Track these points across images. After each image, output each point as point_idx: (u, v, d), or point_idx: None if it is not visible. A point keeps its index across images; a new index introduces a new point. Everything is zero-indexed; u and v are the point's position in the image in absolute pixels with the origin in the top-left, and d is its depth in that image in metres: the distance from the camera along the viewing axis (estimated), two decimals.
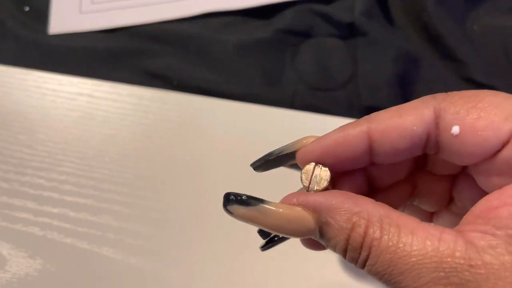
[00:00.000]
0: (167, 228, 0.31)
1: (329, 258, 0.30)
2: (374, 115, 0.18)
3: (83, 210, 0.32)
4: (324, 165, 0.19)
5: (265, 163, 0.20)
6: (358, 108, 0.35)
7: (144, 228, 0.31)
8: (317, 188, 0.19)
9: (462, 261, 0.15)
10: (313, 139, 0.19)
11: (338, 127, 0.19)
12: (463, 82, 0.36)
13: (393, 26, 0.38)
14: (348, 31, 0.37)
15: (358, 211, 0.17)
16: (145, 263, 0.30)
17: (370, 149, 0.18)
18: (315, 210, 0.18)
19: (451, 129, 0.17)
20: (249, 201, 0.18)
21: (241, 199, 0.18)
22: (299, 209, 0.18)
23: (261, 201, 0.18)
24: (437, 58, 0.37)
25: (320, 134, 0.19)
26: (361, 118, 0.18)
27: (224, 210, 0.19)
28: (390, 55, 0.35)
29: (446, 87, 0.36)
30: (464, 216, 0.17)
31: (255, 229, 0.19)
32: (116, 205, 0.32)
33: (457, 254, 0.15)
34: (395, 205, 0.19)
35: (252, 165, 0.21)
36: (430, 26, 0.37)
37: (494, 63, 0.37)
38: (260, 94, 0.35)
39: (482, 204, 0.17)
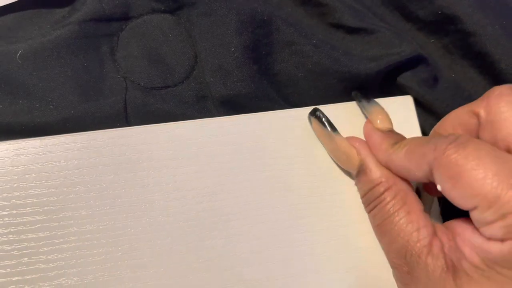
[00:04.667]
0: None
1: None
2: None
3: None
4: None
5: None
6: (211, 101, 0.28)
7: None
8: None
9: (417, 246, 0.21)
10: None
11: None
12: (333, 29, 0.30)
13: None
14: (174, 3, 0.28)
15: (386, 179, 0.23)
16: None
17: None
18: (362, 160, 0.24)
19: (437, 185, 0.21)
20: (325, 123, 0.25)
21: (321, 119, 0.25)
22: (353, 150, 0.25)
23: (334, 129, 0.25)
24: (295, 7, 0.30)
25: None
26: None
27: (308, 116, 0.26)
28: (232, 23, 0.27)
29: (313, 45, 0.29)
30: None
31: None
32: None
33: (418, 244, 0.21)
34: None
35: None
36: None
37: (363, 0, 0.30)
38: (81, 116, 0.26)
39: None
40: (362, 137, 0.26)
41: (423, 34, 0.30)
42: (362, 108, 0.27)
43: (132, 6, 0.28)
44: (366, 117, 0.27)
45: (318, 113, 0.25)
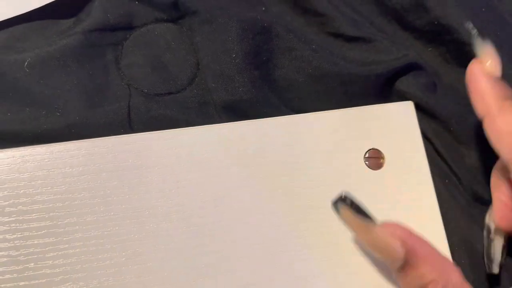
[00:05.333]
0: None
1: None
2: None
3: None
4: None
5: None
6: (214, 107, 0.28)
7: None
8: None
9: None
10: None
11: None
12: (332, 37, 0.30)
13: None
14: (176, 12, 0.29)
15: (439, 274, 0.20)
16: None
17: None
18: (409, 251, 0.20)
19: None
20: (362, 211, 0.21)
21: (356, 205, 0.22)
22: (396, 241, 0.20)
23: (370, 217, 0.21)
24: (295, 17, 0.31)
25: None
26: None
27: (333, 205, 0.23)
28: (232, 30, 0.28)
29: (312, 51, 0.30)
30: None
31: None
32: None
33: None
34: None
35: None
36: None
37: (360, 10, 0.31)
38: (86, 123, 0.27)
39: None
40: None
41: (421, 43, 0.30)
42: (474, 42, 0.23)
43: (136, 16, 0.29)
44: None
45: (348, 200, 0.22)
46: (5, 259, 0.24)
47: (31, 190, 0.25)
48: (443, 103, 0.28)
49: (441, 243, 0.26)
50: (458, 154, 0.28)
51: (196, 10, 0.28)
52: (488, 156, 0.25)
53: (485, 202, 0.26)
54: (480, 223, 0.26)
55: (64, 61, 0.27)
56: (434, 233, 0.26)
